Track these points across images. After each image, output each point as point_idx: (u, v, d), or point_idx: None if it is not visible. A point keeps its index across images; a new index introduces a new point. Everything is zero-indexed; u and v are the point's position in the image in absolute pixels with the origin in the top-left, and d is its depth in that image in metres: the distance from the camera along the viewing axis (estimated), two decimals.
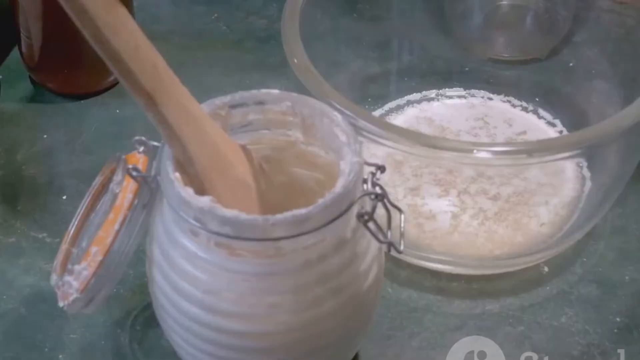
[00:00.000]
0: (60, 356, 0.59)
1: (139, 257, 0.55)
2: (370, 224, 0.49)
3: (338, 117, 0.51)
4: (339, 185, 0.47)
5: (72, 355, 0.60)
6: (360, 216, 0.49)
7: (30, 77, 0.81)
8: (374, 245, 0.51)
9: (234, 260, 0.48)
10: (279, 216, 0.46)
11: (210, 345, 0.51)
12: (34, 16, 0.75)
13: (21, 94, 0.80)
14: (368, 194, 0.49)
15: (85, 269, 0.51)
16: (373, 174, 0.50)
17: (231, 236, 0.47)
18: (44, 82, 0.80)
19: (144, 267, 0.54)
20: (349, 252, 0.49)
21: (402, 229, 0.50)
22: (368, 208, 0.49)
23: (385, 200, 0.49)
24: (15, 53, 0.81)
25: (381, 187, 0.49)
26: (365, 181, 0.49)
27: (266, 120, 0.53)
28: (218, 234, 0.47)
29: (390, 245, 0.50)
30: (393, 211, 0.50)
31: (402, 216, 0.50)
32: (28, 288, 0.63)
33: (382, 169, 0.50)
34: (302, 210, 0.46)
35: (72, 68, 0.78)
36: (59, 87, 0.79)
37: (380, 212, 0.49)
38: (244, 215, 0.46)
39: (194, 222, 0.47)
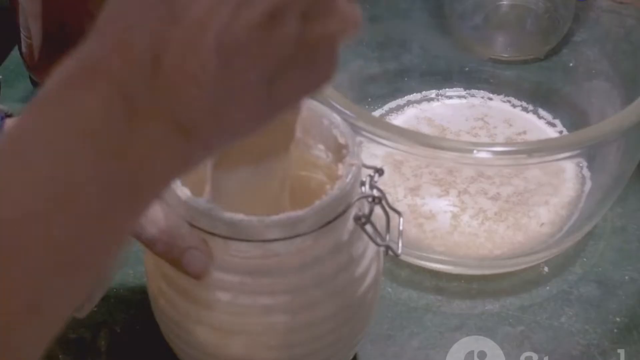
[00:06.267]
0: (60, 356, 0.59)
1: (139, 257, 0.55)
2: (368, 227, 0.49)
3: (337, 119, 0.51)
4: (335, 188, 0.47)
5: (72, 355, 0.59)
6: (357, 219, 0.49)
7: (30, 77, 0.81)
8: (372, 248, 0.51)
9: (229, 259, 0.48)
10: (273, 218, 0.46)
11: (207, 344, 0.51)
12: (34, 16, 0.75)
13: (21, 94, 0.80)
14: (365, 196, 0.49)
15: None
16: (371, 177, 0.49)
17: (225, 237, 0.46)
18: (44, 82, 0.79)
19: (144, 267, 0.54)
20: (345, 255, 0.49)
21: (400, 232, 0.50)
22: (366, 211, 0.49)
23: (384, 203, 0.49)
24: (15, 53, 0.81)
25: (379, 190, 0.49)
26: (363, 184, 0.49)
27: None
28: (212, 234, 0.47)
29: (388, 248, 0.49)
30: (392, 213, 0.49)
31: (401, 219, 0.50)
32: None
33: (380, 172, 0.50)
34: (297, 212, 0.46)
35: None
36: None
37: (380, 213, 0.49)
38: (238, 216, 0.46)
39: (189, 221, 0.47)
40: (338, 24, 0.35)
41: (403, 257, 0.64)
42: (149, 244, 0.48)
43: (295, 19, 0.33)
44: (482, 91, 0.78)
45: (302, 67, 0.35)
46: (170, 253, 0.48)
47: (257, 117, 0.35)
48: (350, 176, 0.48)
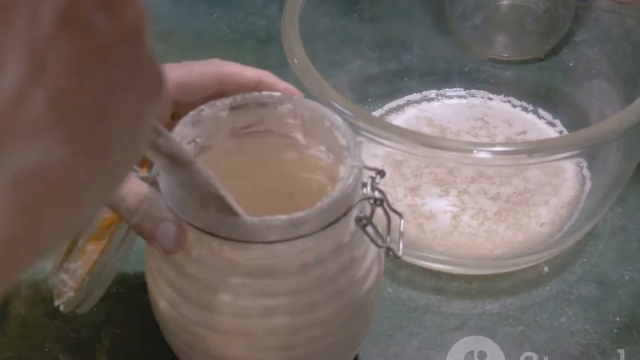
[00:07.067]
0: (60, 356, 0.59)
1: (139, 258, 0.55)
2: (369, 229, 0.49)
3: (339, 120, 0.51)
4: (337, 190, 0.47)
5: (72, 355, 0.60)
6: (358, 220, 0.49)
7: None
8: (373, 249, 0.51)
9: (230, 260, 0.48)
10: (275, 219, 0.45)
11: (207, 345, 0.51)
12: None
13: None
14: (367, 198, 0.49)
15: (80, 267, 0.51)
16: (373, 179, 0.49)
17: (226, 238, 0.46)
18: None
19: (144, 267, 0.54)
20: (347, 256, 0.49)
21: (401, 234, 0.50)
22: (367, 212, 0.49)
23: (385, 205, 0.49)
24: None
25: (381, 192, 0.49)
26: (364, 185, 0.49)
27: (267, 122, 0.53)
28: (213, 235, 0.47)
29: (389, 249, 0.49)
30: (393, 215, 0.49)
31: (402, 221, 0.50)
32: (28, 288, 0.63)
33: (382, 173, 0.50)
34: (299, 214, 0.46)
35: None
36: None
37: (380, 215, 0.49)
38: (239, 218, 0.46)
39: (188, 221, 0.47)
40: (131, 15, 0.28)
41: (403, 257, 0.64)
42: (127, 213, 0.48)
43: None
44: (482, 91, 0.78)
45: (122, 76, 0.28)
46: (146, 224, 0.47)
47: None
48: (352, 178, 0.47)
